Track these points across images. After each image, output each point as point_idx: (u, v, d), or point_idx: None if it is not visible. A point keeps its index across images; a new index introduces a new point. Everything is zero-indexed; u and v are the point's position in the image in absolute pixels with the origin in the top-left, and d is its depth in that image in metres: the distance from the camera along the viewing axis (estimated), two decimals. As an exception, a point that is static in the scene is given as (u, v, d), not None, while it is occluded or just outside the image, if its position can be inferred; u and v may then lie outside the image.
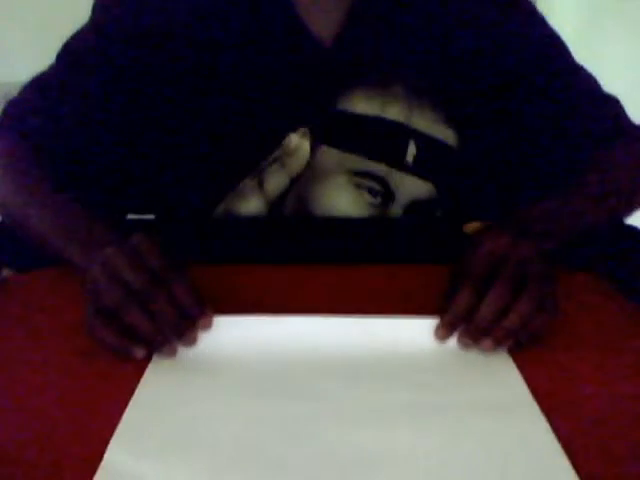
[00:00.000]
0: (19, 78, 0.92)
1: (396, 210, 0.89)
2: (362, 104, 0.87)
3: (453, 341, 0.62)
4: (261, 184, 0.87)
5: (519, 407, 0.55)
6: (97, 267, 0.63)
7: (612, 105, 0.91)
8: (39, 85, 0.87)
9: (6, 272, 0.75)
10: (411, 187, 0.89)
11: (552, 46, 0.92)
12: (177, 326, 0.61)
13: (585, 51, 0.97)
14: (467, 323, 0.62)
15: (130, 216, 0.92)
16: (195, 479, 0.47)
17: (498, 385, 0.57)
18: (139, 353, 0.60)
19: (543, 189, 0.83)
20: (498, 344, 0.61)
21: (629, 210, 0.85)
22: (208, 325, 0.62)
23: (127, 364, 0.59)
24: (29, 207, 0.77)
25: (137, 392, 0.56)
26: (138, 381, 0.57)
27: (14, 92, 0.89)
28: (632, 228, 0.85)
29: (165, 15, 0.86)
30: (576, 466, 0.49)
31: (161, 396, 0.56)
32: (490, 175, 0.94)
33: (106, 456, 0.49)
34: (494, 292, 0.62)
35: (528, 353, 0.61)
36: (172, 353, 0.61)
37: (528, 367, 0.59)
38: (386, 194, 0.88)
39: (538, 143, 0.90)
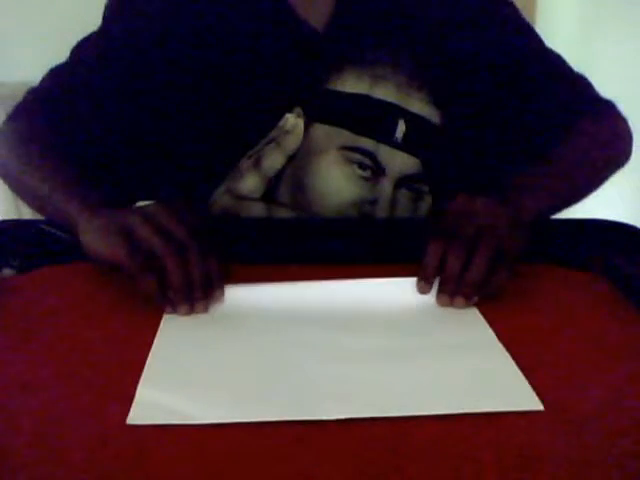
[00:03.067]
0: (19, 78, 0.93)
1: (387, 184, 0.93)
2: (352, 84, 0.91)
3: (427, 298, 0.69)
4: (257, 163, 0.91)
5: (483, 344, 0.63)
6: (137, 216, 0.67)
7: (581, 82, 0.96)
8: (54, 77, 0.92)
9: (6, 272, 0.75)
10: (400, 163, 0.93)
11: (524, 31, 0.98)
12: (202, 287, 0.66)
13: (585, 50, 0.98)
14: (440, 283, 0.68)
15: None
16: (217, 406, 0.54)
17: (466, 331, 0.65)
18: (181, 310, 0.66)
19: (519, 166, 0.88)
20: (468, 299, 0.68)
21: (599, 180, 0.90)
22: (220, 299, 0.68)
23: (127, 363, 0.59)
24: (42, 179, 0.80)
25: (154, 346, 0.62)
26: (139, 380, 0.57)
27: (14, 92, 0.90)
28: (632, 228, 0.85)
29: (165, 13, 0.90)
30: (576, 466, 0.49)
31: (177, 346, 0.63)
32: (473, 152, 0.98)
33: (137, 396, 0.55)
34: (452, 251, 0.68)
35: (529, 352, 0.61)
36: (187, 312, 0.66)
37: (528, 366, 0.59)
38: (376, 169, 0.92)
39: (514, 122, 0.96)
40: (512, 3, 0.99)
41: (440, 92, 0.93)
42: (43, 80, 0.92)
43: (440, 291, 0.68)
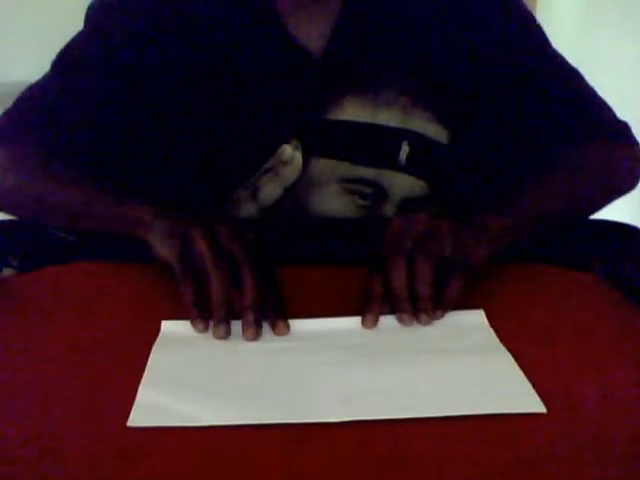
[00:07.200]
0: (19, 78, 0.92)
1: (390, 209, 0.90)
2: (354, 111, 0.87)
3: None
4: (255, 194, 0.88)
5: (486, 347, 0.63)
6: (199, 227, 0.67)
7: (596, 102, 0.92)
8: (36, 93, 0.88)
9: (6, 272, 0.75)
10: (404, 186, 0.90)
11: (537, 45, 0.93)
12: (255, 313, 0.63)
13: (584, 50, 0.97)
14: (394, 304, 0.66)
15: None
16: (218, 408, 0.54)
17: (469, 334, 0.65)
18: (199, 326, 0.64)
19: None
20: (429, 314, 0.65)
21: (596, 204, 0.86)
22: (283, 332, 0.64)
23: (127, 363, 0.59)
24: (70, 191, 0.80)
25: (154, 348, 0.62)
26: (139, 381, 0.57)
27: (14, 92, 0.89)
28: (632, 228, 0.85)
29: (157, 29, 0.87)
30: (576, 466, 0.49)
31: (178, 348, 0.62)
32: (482, 172, 0.95)
33: (138, 398, 0.54)
34: (392, 270, 0.66)
35: (529, 352, 0.61)
36: (224, 334, 0.63)
37: (529, 366, 0.59)
38: (378, 195, 0.89)
39: (523, 142, 0.92)
40: (526, 14, 0.94)
41: (447, 110, 0.89)
42: (20, 101, 0.88)
43: (398, 311, 0.65)
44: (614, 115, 0.92)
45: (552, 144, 0.89)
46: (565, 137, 0.89)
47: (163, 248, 0.68)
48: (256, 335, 0.63)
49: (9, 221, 0.85)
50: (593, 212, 0.86)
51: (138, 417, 0.53)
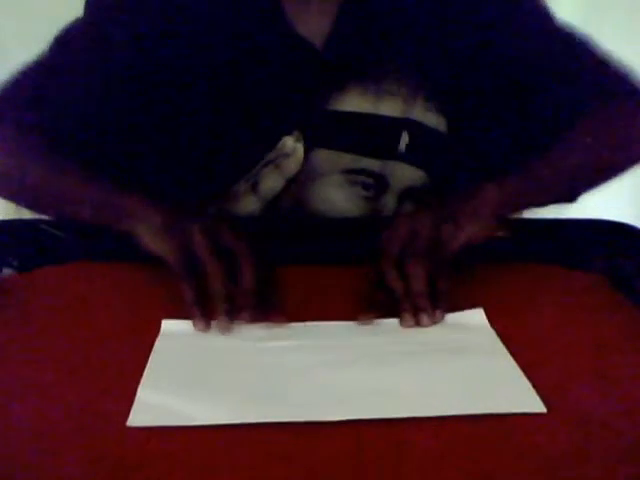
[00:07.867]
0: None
1: (390, 199, 0.90)
2: (355, 102, 0.88)
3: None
4: (255, 186, 0.88)
5: (486, 347, 0.63)
6: (197, 224, 0.67)
7: (607, 69, 0.89)
8: (33, 75, 0.88)
9: (6, 272, 0.75)
10: (404, 175, 0.90)
11: (542, 24, 0.90)
12: (252, 312, 0.64)
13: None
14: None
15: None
16: (218, 407, 0.54)
17: (469, 333, 0.65)
18: (199, 325, 0.64)
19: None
20: (428, 313, 0.66)
21: (611, 176, 0.84)
22: (282, 321, 0.65)
23: (127, 363, 0.60)
24: (68, 184, 0.79)
25: (154, 348, 0.62)
26: (139, 381, 0.57)
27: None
28: (632, 228, 0.85)
29: (159, 18, 0.87)
30: (576, 466, 0.49)
31: (177, 348, 0.62)
32: (482, 159, 0.95)
33: (137, 398, 0.54)
34: (386, 275, 0.68)
35: (529, 352, 0.61)
36: (226, 329, 0.64)
37: (529, 366, 0.59)
38: (379, 185, 0.89)
39: (529, 128, 0.90)
40: None
41: (447, 100, 0.89)
42: (18, 81, 0.87)
43: (400, 311, 0.67)
44: (630, 76, 0.88)
45: (564, 118, 0.85)
46: (579, 107, 0.85)
47: (156, 241, 0.68)
48: (252, 318, 0.64)
49: (9, 221, 0.85)
50: (609, 180, 0.83)
51: (138, 417, 0.53)
